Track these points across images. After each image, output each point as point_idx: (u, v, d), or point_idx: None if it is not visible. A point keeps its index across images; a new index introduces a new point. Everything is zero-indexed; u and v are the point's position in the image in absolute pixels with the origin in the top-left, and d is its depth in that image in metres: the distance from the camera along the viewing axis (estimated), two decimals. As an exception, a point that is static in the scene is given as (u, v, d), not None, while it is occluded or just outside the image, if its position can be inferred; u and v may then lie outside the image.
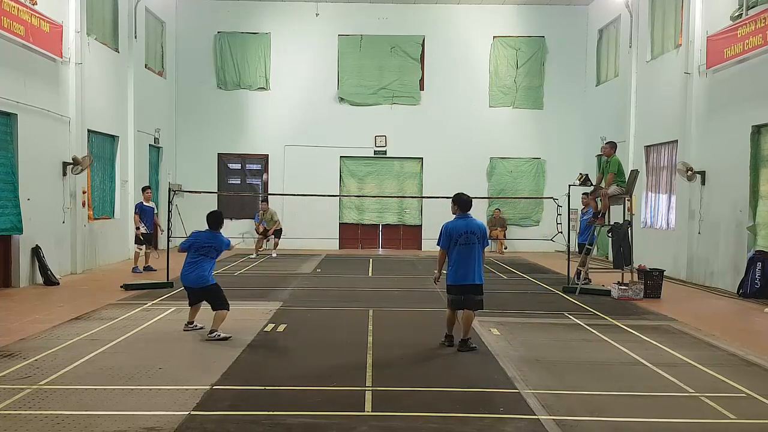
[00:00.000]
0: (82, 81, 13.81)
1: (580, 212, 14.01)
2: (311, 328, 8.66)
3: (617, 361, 7.03)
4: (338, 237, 21.06)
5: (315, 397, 5.66)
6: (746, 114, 12.02)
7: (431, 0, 20.39)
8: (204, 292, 8.00)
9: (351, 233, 21.27)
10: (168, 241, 12.23)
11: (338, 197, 20.52)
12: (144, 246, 14.19)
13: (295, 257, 17.70)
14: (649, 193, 16.33)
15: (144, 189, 14.86)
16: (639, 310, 10.25)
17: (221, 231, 8.28)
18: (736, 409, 5.45)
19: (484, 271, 7.49)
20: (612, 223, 12.54)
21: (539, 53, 20.89)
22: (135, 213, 14.44)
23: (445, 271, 7.58)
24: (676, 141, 14.55)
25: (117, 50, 16.30)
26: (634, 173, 12.41)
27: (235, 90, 20.74)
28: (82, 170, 13.61)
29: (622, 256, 11.48)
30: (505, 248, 20.23)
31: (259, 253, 17.83)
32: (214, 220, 8.19)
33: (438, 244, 7.57)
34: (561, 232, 12.65)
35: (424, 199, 20.24)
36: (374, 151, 20.87)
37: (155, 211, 14.93)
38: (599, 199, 12.12)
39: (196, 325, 8.26)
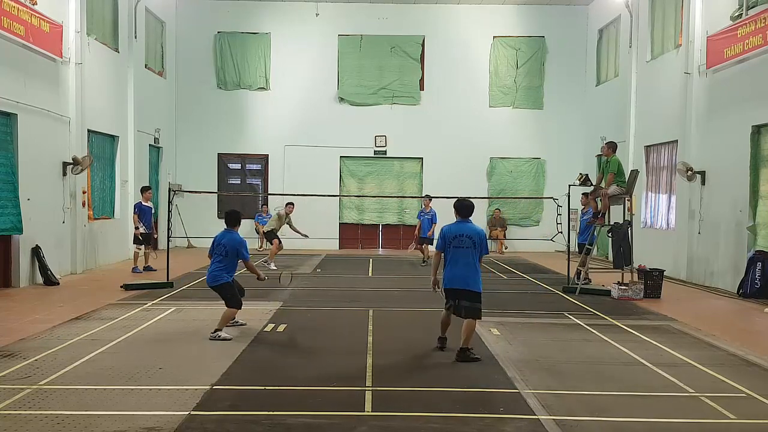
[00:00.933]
0: (82, 81, 13.81)
1: (580, 212, 14.01)
2: (311, 329, 8.66)
3: (617, 361, 7.03)
4: (338, 237, 21.07)
5: (315, 397, 5.66)
6: (746, 114, 12.02)
7: (431, 0, 20.39)
8: (217, 289, 8.19)
9: (351, 233, 21.27)
10: (168, 241, 12.23)
11: (338, 197, 20.53)
12: (143, 246, 14.18)
13: (295, 257, 17.70)
14: (649, 193, 16.33)
15: (144, 189, 14.83)
16: (639, 310, 10.25)
17: (238, 230, 8.35)
18: (736, 409, 5.46)
19: (483, 271, 7.41)
20: (612, 223, 12.54)
21: (539, 53, 20.89)
22: (134, 213, 14.44)
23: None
24: (676, 141, 14.55)
25: (117, 50, 16.30)
26: (634, 173, 12.41)
27: (235, 90, 20.74)
28: (82, 170, 13.61)
29: (622, 256, 11.48)
30: (506, 248, 20.25)
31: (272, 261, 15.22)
32: (228, 218, 8.37)
33: (435, 248, 7.60)
34: (561, 232, 12.66)
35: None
36: (374, 151, 20.88)
37: (153, 211, 14.92)
38: (599, 199, 12.11)
39: (237, 321, 8.45)
